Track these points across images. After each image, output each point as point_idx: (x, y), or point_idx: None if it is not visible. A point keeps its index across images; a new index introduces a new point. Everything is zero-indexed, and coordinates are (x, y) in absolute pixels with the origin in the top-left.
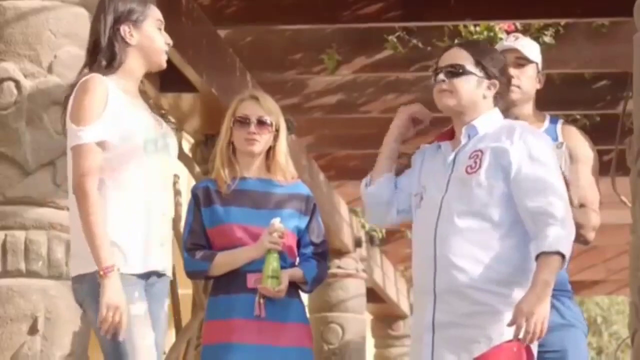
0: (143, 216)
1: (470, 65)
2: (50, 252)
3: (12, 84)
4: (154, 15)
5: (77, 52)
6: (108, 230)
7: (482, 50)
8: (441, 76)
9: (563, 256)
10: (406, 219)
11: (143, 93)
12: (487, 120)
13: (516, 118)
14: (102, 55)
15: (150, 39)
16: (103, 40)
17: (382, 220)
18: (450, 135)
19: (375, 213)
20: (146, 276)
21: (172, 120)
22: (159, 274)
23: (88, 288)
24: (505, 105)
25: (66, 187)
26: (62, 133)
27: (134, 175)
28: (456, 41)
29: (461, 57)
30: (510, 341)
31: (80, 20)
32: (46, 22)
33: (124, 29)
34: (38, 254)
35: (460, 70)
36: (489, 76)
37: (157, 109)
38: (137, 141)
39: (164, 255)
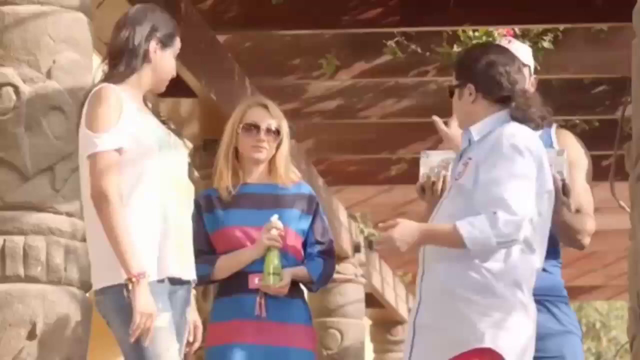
0: (158, 220)
1: (454, 82)
2: (49, 258)
3: (10, 89)
4: (177, 45)
5: (75, 58)
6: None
7: (457, 62)
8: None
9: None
10: None
11: (145, 100)
12: (484, 125)
13: None
14: (123, 62)
15: (166, 65)
16: (139, 50)
17: None
18: None
19: None
20: (169, 284)
21: (174, 127)
22: (181, 282)
23: (112, 301)
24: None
25: (65, 193)
26: (65, 139)
27: (148, 178)
28: (455, 46)
29: (453, 77)
30: (480, 350)
31: (79, 26)
32: (45, 28)
33: (153, 46)
34: (37, 259)
35: (450, 93)
36: (464, 82)
37: (158, 114)
38: (149, 142)
39: (183, 261)
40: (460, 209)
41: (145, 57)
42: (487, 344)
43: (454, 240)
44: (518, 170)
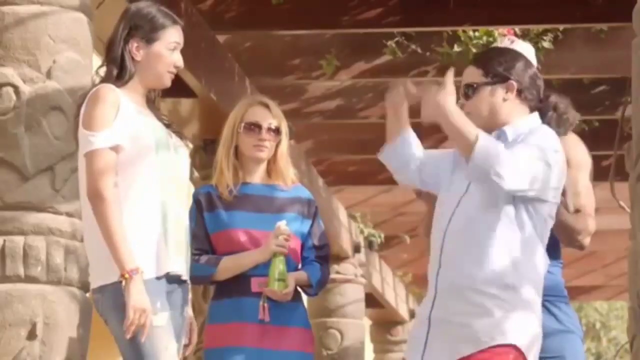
0: (157, 218)
1: (480, 78)
2: (49, 258)
3: (11, 89)
4: (169, 38)
5: (75, 58)
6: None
7: (488, 58)
8: (461, 100)
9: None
10: (431, 189)
11: (151, 102)
12: (519, 127)
13: None
14: (114, 64)
15: (156, 59)
16: (116, 49)
17: (405, 179)
18: None
19: (398, 175)
20: (166, 281)
21: (179, 130)
22: (178, 281)
23: (109, 299)
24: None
25: (65, 193)
26: (65, 139)
27: (147, 177)
28: (455, 46)
29: (471, 74)
30: (505, 346)
31: (79, 26)
32: (45, 28)
33: (133, 44)
34: (37, 259)
35: (472, 89)
36: (502, 79)
37: (162, 116)
38: (148, 141)
39: (181, 259)
40: (485, 206)
41: (132, 59)
42: (510, 340)
43: (467, 133)
44: (539, 157)
